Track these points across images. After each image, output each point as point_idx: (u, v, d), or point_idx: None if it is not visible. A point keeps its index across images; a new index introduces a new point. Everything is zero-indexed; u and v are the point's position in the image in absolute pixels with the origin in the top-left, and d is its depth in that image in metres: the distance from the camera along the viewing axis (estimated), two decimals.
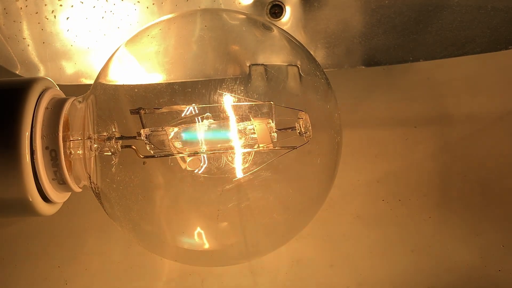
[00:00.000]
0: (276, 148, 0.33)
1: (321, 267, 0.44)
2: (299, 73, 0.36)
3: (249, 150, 0.33)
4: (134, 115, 0.33)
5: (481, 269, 0.43)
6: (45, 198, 0.31)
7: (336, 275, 0.43)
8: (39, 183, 0.30)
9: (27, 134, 0.29)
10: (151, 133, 0.32)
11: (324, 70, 0.37)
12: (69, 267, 0.43)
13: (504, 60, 0.49)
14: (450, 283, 0.43)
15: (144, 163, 0.33)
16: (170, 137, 0.33)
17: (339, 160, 0.36)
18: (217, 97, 0.33)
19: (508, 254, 0.44)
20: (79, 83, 0.45)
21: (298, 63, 0.36)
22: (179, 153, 0.33)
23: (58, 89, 0.34)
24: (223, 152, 0.33)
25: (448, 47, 0.45)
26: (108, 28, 0.42)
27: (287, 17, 0.43)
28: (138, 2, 0.42)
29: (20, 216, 0.42)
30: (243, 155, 0.33)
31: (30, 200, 0.30)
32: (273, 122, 0.33)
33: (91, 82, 0.36)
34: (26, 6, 0.41)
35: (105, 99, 0.34)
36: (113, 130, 0.33)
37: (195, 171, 0.33)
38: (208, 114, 0.33)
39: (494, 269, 0.44)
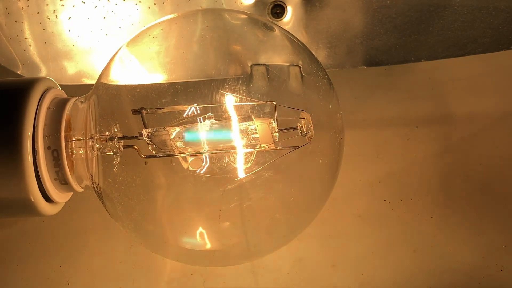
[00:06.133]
0: (278, 148, 0.33)
1: (323, 267, 0.44)
2: (301, 73, 0.35)
3: (251, 150, 0.33)
4: (136, 115, 0.33)
5: (483, 269, 0.43)
6: (47, 198, 0.31)
7: (338, 275, 0.43)
8: (41, 183, 0.30)
9: (29, 134, 0.29)
10: (153, 133, 0.32)
11: (326, 70, 0.37)
12: (71, 267, 0.43)
13: (506, 60, 0.49)
14: (452, 283, 0.43)
15: (146, 163, 0.33)
16: (172, 137, 0.33)
17: (341, 160, 0.36)
18: (219, 97, 0.33)
19: (510, 254, 0.44)
20: (81, 83, 0.45)
21: (300, 63, 0.36)
22: (181, 153, 0.33)
23: (60, 89, 0.34)
24: (225, 152, 0.33)
25: (449, 47, 0.45)
26: (109, 28, 0.42)
27: (289, 17, 0.43)
28: (140, 2, 0.42)
29: (22, 216, 0.42)
30: (245, 155, 0.33)
31: (32, 200, 0.30)
32: (275, 122, 0.33)
33: (93, 82, 0.36)
34: (28, 6, 0.41)
35: (107, 99, 0.34)
36: (115, 130, 0.33)
37: (197, 171, 0.33)
38: (210, 114, 0.33)
39: (496, 269, 0.43)
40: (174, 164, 0.33)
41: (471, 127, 0.48)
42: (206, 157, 0.33)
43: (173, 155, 0.33)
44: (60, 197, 0.33)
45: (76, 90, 0.36)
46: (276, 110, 0.33)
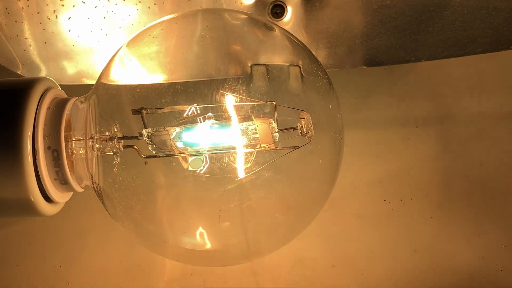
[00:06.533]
0: (278, 148, 0.33)
1: (323, 267, 0.44)
2: (301, 73, 0.36)
3: (251, 150, 0.33)
4: (136, 115, 0.33)
5: (483, 269, 0.43)
6: (47, 198, 0.31)
7: (338, 275, 0.43)
8: (41, 183, 0.30)
9: (29, 134, 0.29)
10: (153, 133, 0.32)
11: (326, 70, 0.37)
12: (71, 267, 0.43)
13: (506, 60, 0.49)
14: (452, 283, 0.43)
15: (145, 163, 0.33)
16: (172, 137, 0.33)
17: (341, 160, 0.36)
18: (219, 97, 0.33)
19: (510, 254, 0.44)
20: (81, 83, 0.45)
21: (300, 63, 0.36)
22: (181, 153, 0.33)
23: (60, 89, 0.34)
24: (225, 152, 0.33)
25: (449, 47, 0.45)
26: (109, 28, 0.42)
27: (289, 17, 0.43)
28: (140, 2, 0.42)
29: (22, 216, 0.42)
30: (245, 155, 0.33)
31: (32, 200, 0.30)
32: (275, 122, 0.33)
33: (93, 82, 0.36)
34: (28, 6, 0.41)
35: (107, 99, 0.34)
36: (115, 130, 0.33)
37: (197, 171, 0.33)
38: (210, 114, 0.33)
39: (495, 269, 0.44)
40: (174, 164, 0.33)
41: (471, 127, 0.48)
42: (206, 157, 0.33)
43: (173, 155, 0.33)
44: (60, 197, 0.33)
45: (76, 90, 0.36)
46: (276, 110, 0.33)
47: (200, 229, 0.35)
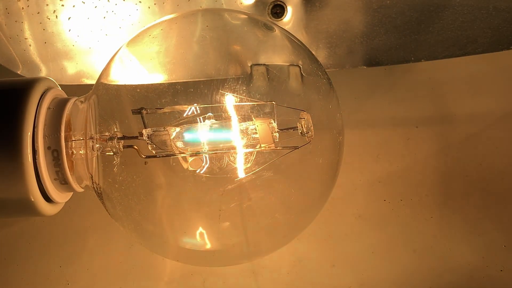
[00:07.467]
0: (278, 148, 0.33)
1: (323, 267, 0.44)
2: (301, 73, 0.36)
3: (251, 150, 0.33)
4: (136, 115, 0.33)
5: (483, 269, 0.43)
6: (47, 198, 0.31)
7: (337, 275, 0.43)
8: (41, 183, 0.30)
9: (29, 134, 0.29)
10: (153, 133, 0.32)
11: (326, 70, 0.37)
12: (71, 267, 0.43)
13: (506, 60, 0.49)
14: (452, 283, 0.43)
15: (146, 163, 0.33)
16: (172, 137, 0.33)
17: (341, 160, 0.36)
18: (219, 97, 0.33)
19: (510, 254, 0.44)
20: (81, 83, 0.45)
21: (300, 63, 0.36)
22: (181, 153, 0.33)
23: (60, 89, 0.34)
24: (225, 152, 0.33)
25: (449, 47, 0.45)
26: (109, 28, 0.42)
27: (289, 17, 0.43)
28: (140, 2, 0.42)
29: (22, 216, 0.42)
30: (245, 155, 0.33)
31: (32, 200, 0.30)
32: (275, 122, 0.33)
33: (93, 82, 0.36)
34: (28, 6, 0.41)
35: (107, 99, 0.34)
36: (115, 130, 0.33)
37: (197, 171, 0.33)
38: (210, 114, 0.33)
39: (495, 269, 0.43)
40: (174, 164, 0.33)
41: (471, 127, 0.48)
42: (206, 157, 0.33)
43: (173, 155, 0.33)
44: (60, 197, 0.33)
45: (76, 90, 0.36)
46: (276, 110, 0.33)
47: (200, 229, 0.35)
